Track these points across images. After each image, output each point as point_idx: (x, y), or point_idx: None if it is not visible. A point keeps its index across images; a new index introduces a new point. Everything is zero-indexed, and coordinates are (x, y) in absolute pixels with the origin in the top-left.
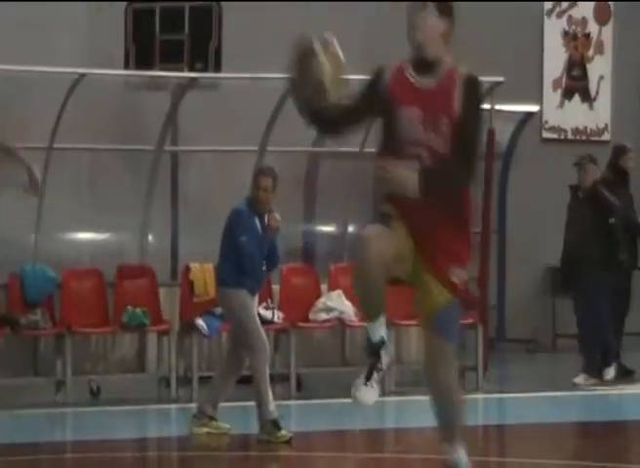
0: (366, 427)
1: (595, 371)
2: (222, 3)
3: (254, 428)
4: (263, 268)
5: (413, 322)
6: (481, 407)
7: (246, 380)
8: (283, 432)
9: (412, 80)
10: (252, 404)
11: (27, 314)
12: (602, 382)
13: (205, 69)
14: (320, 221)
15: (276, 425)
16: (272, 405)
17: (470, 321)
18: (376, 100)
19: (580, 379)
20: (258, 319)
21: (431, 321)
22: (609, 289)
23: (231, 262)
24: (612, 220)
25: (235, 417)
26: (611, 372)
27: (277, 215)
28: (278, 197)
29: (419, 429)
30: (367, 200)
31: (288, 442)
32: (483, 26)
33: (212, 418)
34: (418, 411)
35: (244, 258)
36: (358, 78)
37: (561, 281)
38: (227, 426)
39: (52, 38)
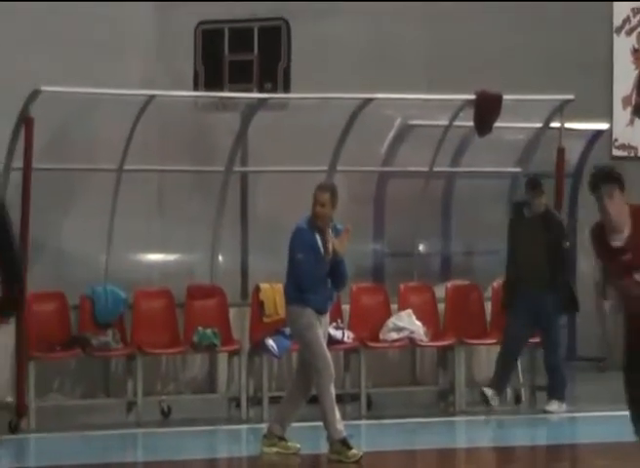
0: (437, 446)
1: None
2: (290, 21)
3: (324, 448)
4: (328, 286)
5: (482, 341)
6: (552, 426)
7: (316, 400)
8: (354, 451)
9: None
10: (321, 423)
11: (98, 335)
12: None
13: (274, 89)
14: (389, 240)
15: (345, 444)
16: (340, 424)
17: (541, 340)
18: None
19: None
20: (322, 338)
21: None
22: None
23: (294, 280)
24: (566, 244)
25: (305, 437)
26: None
27: (334, 239)
28: (347, 215)
29: (489, 448)
30: (435, 219)
31: (358, 461)
32: (553, 44)
33: (281, 438)
34: (488, 431)
35: (301, 276)
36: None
37: (507, 299)
38: (298, 446)
39: (122, 60)
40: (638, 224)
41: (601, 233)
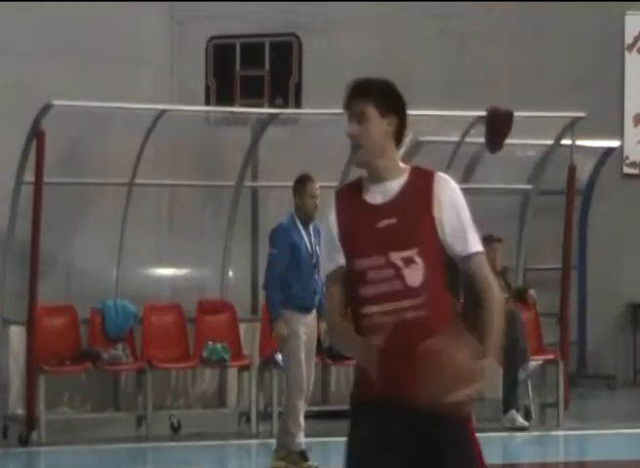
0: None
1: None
2: (302, 36)
3: (335, 463)
4: (316, 280)
5: None
6: (562, 443)
7: (324, 415)
8: (309, 463)
9: None
10: (331, 439)
11: (108, 349)
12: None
13: (285, 104)
14: None
15: (304, 456)
16: (302, 437)
17: (551, 357)
18: None
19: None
20: (302, 351)
21: None
22: None
23: (281, 281)
24: None
25: (315, 452)
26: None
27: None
28: None
29: (499, 466)
30: None
31: None
32: (563, 62)
33: (290, 453)
34: (496, 447)
35: (270, 271)
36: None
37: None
38: (314, 465)
39: (133, 74)
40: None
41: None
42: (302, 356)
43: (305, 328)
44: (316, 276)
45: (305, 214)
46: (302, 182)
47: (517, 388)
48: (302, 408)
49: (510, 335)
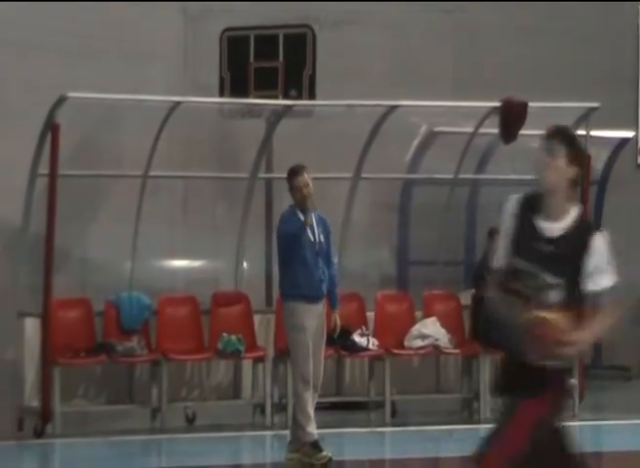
0: (461, 454)
1: None
2: (316, 28)
3: (349, 453)
4: (320, 269)
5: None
6: (577, 434)
7: (337, 407)
8: (323, 453)
9: None
10: (345, 430)
11: (123, 341)
12: None
13: (299, 96)
14: (414, 248)
15: (317, 447)
16: (313, 427)
17: None
18: None
19: None
20: (308, 344)
21: None
22: None
23: (286, 275)
24: None
25: (329, 443)
26: None
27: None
28: (372, 222)
29: None
30: (460, 226)
31: (327, 463)
32: (579, 53)
33: (303, 444)
34: None
35: (282, 253)
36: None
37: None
38: (328, 455)
39: (147, 67)
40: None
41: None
42: (309, 347)
43: (313, 318)
44: (321, 265)
45: (298, 206)
46: (290, 175)
47: None
48: (310, 398)
49: None
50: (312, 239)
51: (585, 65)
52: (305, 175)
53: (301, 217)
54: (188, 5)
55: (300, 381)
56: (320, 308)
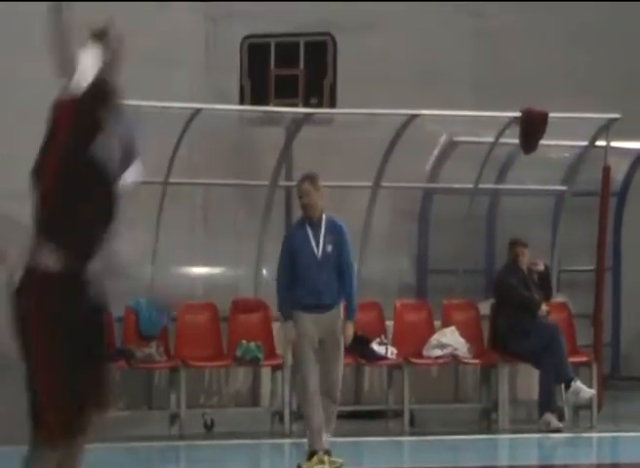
0: (479, 464)
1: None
2: (337, 36)
3: (367, 462)
4: (324, 279)
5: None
6: (595, 445)
7: (356, 415)
8: (333, 459)
9: None
10: (363, 439)
11: (142, 347)
12: None
13: (319, 104)
14: (433, 257)
15: (328, 453)
16: (325, 434)
17: (585, 358)
18: None
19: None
20: (308, 352)
21: None
22: None
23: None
24: None
25: (347, 452)
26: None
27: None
28: (392, 231)
29: (530, 466)
30: (480, 236)
31: None
32: (599, 63)
33: (315, 452)
34: (530, 448)
35: (277, 277)
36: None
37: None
38: (340, 460)
39: (167, 74)
40: None
41: None
42: (308, 355)
43: (315, 326)
44: (325, 274)
45: (306, 215)
46: (297, 184)
47: (553, 391)
48: (313, 406)
49: (554, 354)
50: (315, 250)
51: (607, 76)
52: (306, 184)
53: (308, 228)
54: (209, 11)
55: (299, 389)
56: (328, 317)
